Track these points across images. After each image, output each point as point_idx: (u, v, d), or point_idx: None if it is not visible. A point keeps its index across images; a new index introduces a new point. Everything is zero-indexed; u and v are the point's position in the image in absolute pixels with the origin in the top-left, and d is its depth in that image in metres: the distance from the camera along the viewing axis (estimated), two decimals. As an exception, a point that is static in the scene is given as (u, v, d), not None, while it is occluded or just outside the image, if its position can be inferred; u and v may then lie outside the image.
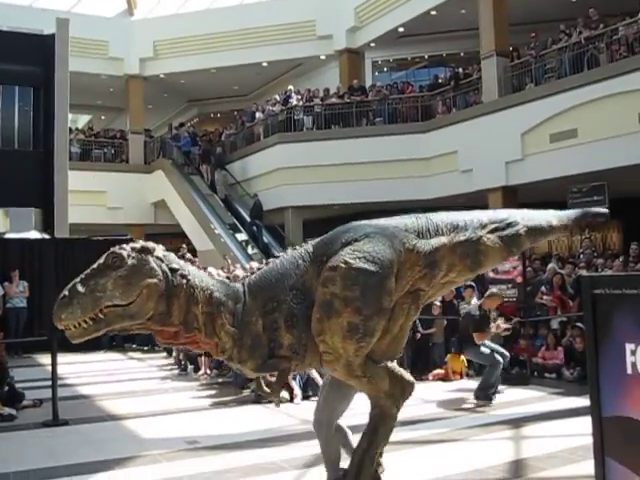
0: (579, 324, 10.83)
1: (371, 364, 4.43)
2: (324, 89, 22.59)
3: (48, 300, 15.63)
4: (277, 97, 23.50)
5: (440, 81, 21.27)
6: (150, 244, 4.46)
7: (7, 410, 8.51)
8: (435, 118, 20.17)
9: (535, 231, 4.87)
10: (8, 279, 15.51)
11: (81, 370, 12.69)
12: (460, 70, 20.58)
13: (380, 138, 20.18)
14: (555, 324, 11.55)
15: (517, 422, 7.59)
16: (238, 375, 10.63)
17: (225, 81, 28.03)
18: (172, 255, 4.52)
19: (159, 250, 4.44)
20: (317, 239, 4.81)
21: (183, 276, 4.36)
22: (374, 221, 4.73)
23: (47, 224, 17.92)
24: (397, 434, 6.75)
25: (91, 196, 23.78)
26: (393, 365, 4.76)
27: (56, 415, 8.12)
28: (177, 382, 11.50)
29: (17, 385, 9.44)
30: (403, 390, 4.62)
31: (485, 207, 17.90)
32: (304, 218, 21.73)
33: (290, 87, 23.35)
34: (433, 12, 21.02)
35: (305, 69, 26.77)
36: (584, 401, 8.76)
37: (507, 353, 9.73)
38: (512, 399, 9.03)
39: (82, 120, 34.69)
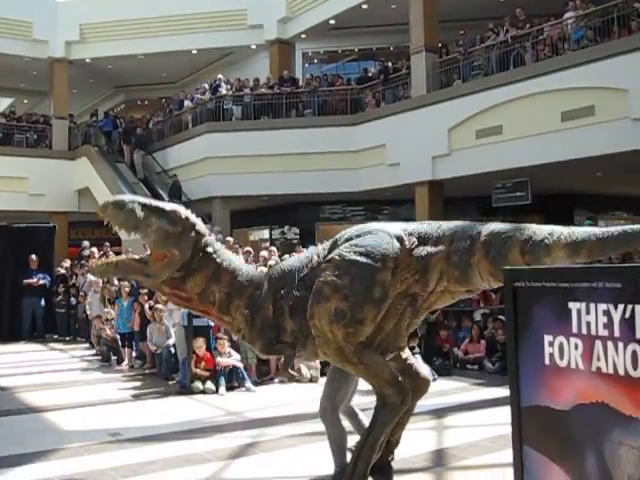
0: (501, 317, 11.12)
1: (367, 352, 4.57)
2: (254, 79, 22.46)
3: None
4: (206, 86, 23.25)
5: (370, 75, 21.38)
6: (204, 229, 4.91)
7: None
8: (364, 111, 20.28)
9: (528, 248, 4.37)
10: None
11: (0, 361, 12.34)
12: (390, 64, 20.75)
13: (309, 130, 20.19)
14: (478, 316, 11.82)
15: (440, 412, 7.73)
16: (162, 366, 10.57)
17: (153, 68, 27.57)
18: (213, 240, 4.99)
19: (208, 238, 4.90)
20: (336, 236, 5.02)
21: (213, 259, 4.84)
22: (385, 223, 4.95)
23: (-35, 210, 17.51)
24: (318, 425, 6.86)
25: (12, 182, 23.16)
26: (411, 361, 5.13)
27: (-27, 407, 7.90)
28: (100, 373, 11.30)
29: None
30: (416, 386, 4.92)
31: (411, 201, 18.20)
32: (232, 208, 21.62)
33: (220, 76, 23.15)
34: (364, 6, 21.13)
35: (235, 58, 26.56)
36: (505, 391, 8.94)
37: None
38: (435, 390, 9.12)
39: (3, 103, 33.59)
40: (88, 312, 14.61)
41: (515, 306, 2.67)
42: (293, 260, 5.09)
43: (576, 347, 2.47)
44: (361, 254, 4.56)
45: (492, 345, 11.10)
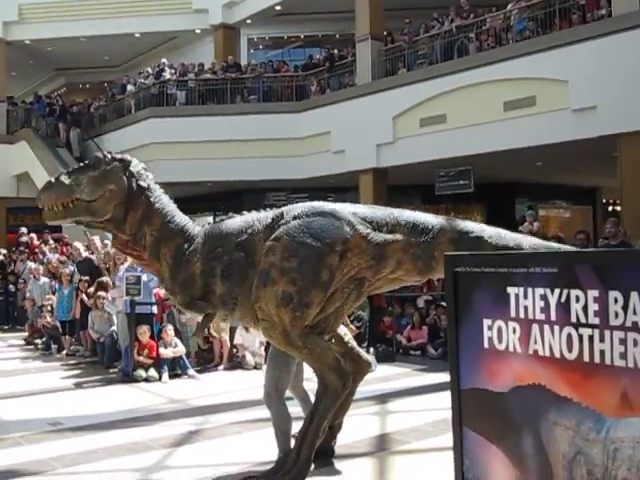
0: (443, 303, 11.28)
1: (313, 336, 4.59)
2: (198, 64, 22.23)
3: None
4: (150, 70, 22.94)
5: (315, 62, 21.39)
6: (129, 158, 5.06)
7: None
8: (309, 98, 20.28)
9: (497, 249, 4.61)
10: None
11: None
12: (335, 52, 20.79)
13: (254, 116, 20.09)
14: (421, 303, 11.96)
15: (382, 398, 7.81)
16: (105, 354, 10.44)
17: (95, 51, 27.03)
18: (147, 175, 5.06)
19: (137, 166, 5.02)
20: (281, 208, 4.99)
21: (147, 197, 4.92)
22: (338, 204, 4.87)
23: None
24: (263, 412, 6.86)
25: (-53, 166, 22.52)
26: (352, 344, 5.17)
27: None
28: (40, 362, 11.12)
29: None
30: (357, 368, 4.99)
31: (356, 188, 18.28)
32: (175, 195, 21.33)
33: (163, 60, 22.89)
34: (310, -8, 21.11)
35: (179, 43, 26.24)
36: (447, 377, 9.14)
37: None
38: (378, 375, 9.27)
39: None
40: (27, 299, 14.26)
41: (456, 291, 2.72)
42: (232, 223, 4.97)
43: (514, 331, 2.53)
44: (310, 235, 4.54)
45: (434, 331, 11.26)
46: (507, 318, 2.53)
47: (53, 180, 4.98)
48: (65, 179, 4.89)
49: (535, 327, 2.45)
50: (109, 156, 4.96)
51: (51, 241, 15.64)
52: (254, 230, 4.79)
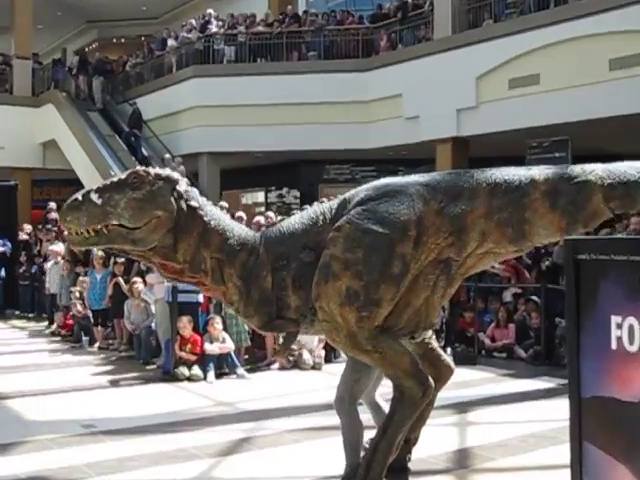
0: (534, 297, 11.14)
1: (385, 338, 4.54)
2: (249, 15, 22.29)
3: None
4: (193, 22, 23.10)
5: (385, 12, 21.21)
6: (175, 175, 4.86)
7: None
8: (378, 55, 20.15)
9: (617, 191, 4.29)
10: None
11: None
12: (409, 0, 20.57)
13: (313, 75, 20.08)
14: (508, 296, 11.83)
15: (462, 406, 7.78)
16: (141, 349, 10.63)
17: (132, 0, 27.41)
18: (195, 192, 4.90)
19: (183, 184, 4.81)
20: (346, 194, 4.95)
21: (199, 217, 4.76)
22: (404, 178, 4.80)
23: None
24: (324, 418, 6.92)
25: (-34, 132, 23.11)
26: (433, 344, 5.14)
27: None
28: (70, 356, 11.40)
29: None
30: (437, 374, 4.95)
31: (433, 161, 18.15)
32: (222, 167, 21.57)
33: (209, 11, 22.99)
34: None
35: (228, -9, 26.40)
36: (537, 383, 9.11)
37: None
38: (457, 380, 9.17)
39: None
40: (47, 286, 14.62)
41: (577, 282, 2.65)
42: (293, 221, 4.91)
43: (651, 330, 2.47)
44: (376, 222, 4.47)
45: (523, 330, 11.12)
46: (642, 315, 2.47)
47: (80, 197, 4.64)
48: (96, 197, 4.60)
49: (677, 326, 2.37)
50: (152, 173, 4.75)
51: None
52: (320, 226, 4.75)
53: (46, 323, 14.65)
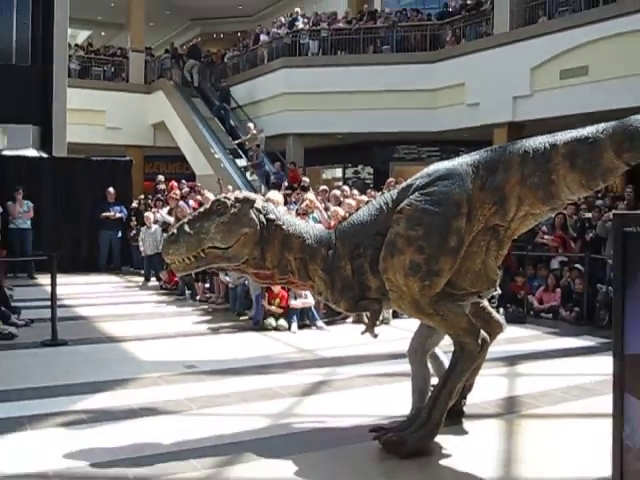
0: (578, 266, 10.94)
1: (444, 302, 4.56)
2: (331, 13, 22.17)
3: (46, 220, 15.78)
4: (283, 19, 23.09)
5: (451, 9, 20.86)
6: (252, 195, 5.03)
7: (7, 328, 8.56)
8: (444, 48, 19.87)
9: (625, 144, 4.15)
10: (8, 198, 14.83)
11: (79, 292, 12.77)
12: (472, -1, 20.20)
13: (386, 67, 19.94)
14: (555, 264, 11.62)
15: (512, 360, 7.69)
16: (236, 302, 10.79)
17: (230, 0, 27.46)
18: (270, 206, 5.05)
19: (259, 201, 4.98)
20: (403, 183, 4.98)
21: (278, 226, 4.89)
22: (451, 161, 4.76)
23: (45, 142, 17.95)
24: (390, 366, 6.93)
25: (89, 115, 23.58)
26: (484, 304, 5.15)
27: (55, 335, 8.20)
28: (174, 306, 11.62)
29: (17, 304, 9.59)
30: (488, 329, 4.89)
31: (490, 143, 17.85)
32: (306, 146, 21.62)
33: (297, 9, 22.95)
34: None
35: (313, -9, 26.23)
36: (579, 342, 8.96)
37: None
38: (507, 337, 9.09)
39: (81, 36, 34.08)
40: (141, 249, 14.78)
41: (624, 252, 2.61)
42: (362, 214, 4.96)
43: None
44: (433, 202, 4.47)
45: (567, 294, 10.94)
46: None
47: (176, 231, 4.83)
48: (189, 229, 4.76)
49: None
50: (232, 198, 4.89)
51: (186, 188, 16.13)
52: (386, 214, 4.76)
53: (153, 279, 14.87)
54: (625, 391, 2.67)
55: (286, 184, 17.22)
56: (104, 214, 16.36)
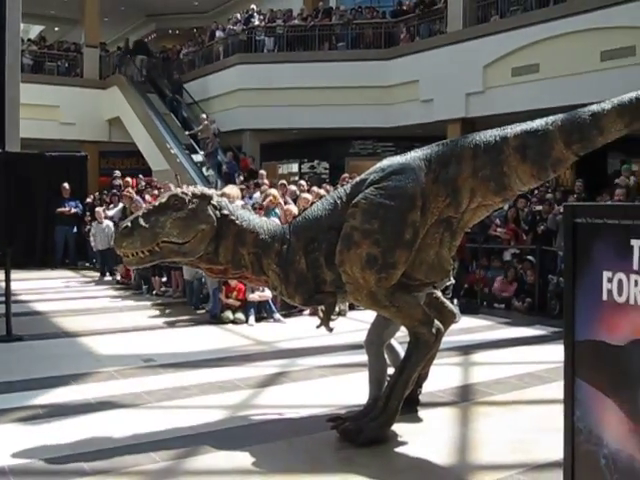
0: (530, 257, 11.09)
1: (400, 294, 4.58)
2: (287, 10, 22.12)
3: None
4: (238, 16, 22.97)
5: (405, 8, 20.96)
6: (209, 191, 4.96)
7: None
8: (398, 46, 19.95)
9: (574, 136, 4.23)
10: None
11: (34, 287, 12.55)
12: (426, -3, 20.33)
13: (342, 63, 19.96)
14: (508, 256, 11.77)
15: (466, 349, 7.77)
16: (193, 295, 10.70)
17: (186, -4, 27.29)
18: (224, 201, 5.00)
19: (215, 197, 4.90)
20: (356, 178, 4.98)
21: (231, 221, 4.84)
22: (404, 155, 4.76)
23: (-2, 137, 17.53)
24: (347, 357, 6.95)
25: (43, 110, 23.10)
26: (437, 294, 5.15)
27: (10, 331, 8.03)
28: (131, 301, 11.47)
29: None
30: (441, 319, 4.90)
31: (443, 138, 17.95)
32: (262, 141, 21.55)
33: (252, 6, 22.82)
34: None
35: (269, -12, 26.12)
36: (531, 331, 9.08)
37: None
38: (462, 327, 9.21)
39: (34, 31, 33.40)
40: (92, 244, 14.61)
41: (574, 242, 2.67)
42: (317, 208, 4.94)
43: (636, 284, 2.48)
44: (388, 196, 4.49)
45: (519, 286, 11.08)
46: (629, 271, 2.48)
47: (130, 224, 4.69)
48: (144, 222, 4.66)
49: (659, 280, 2.40)
50: (189, 193, 4.81)
51: (142, 183, 15.96)
52: (340, 208, 4.75)
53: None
54: (576, 376, 2.73)
55: (242, 178, 17.14)
56: (59, 210, 16.08)
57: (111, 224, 13.95)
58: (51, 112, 23.65)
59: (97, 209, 14.77)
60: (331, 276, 4.75)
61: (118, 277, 13.70)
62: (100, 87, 25.02)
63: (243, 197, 11.17)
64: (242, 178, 17.21)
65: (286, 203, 10.31)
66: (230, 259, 4.88)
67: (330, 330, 5.09)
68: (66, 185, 16.25)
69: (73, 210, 16.20)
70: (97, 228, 14.33)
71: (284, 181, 13.36)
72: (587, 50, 14.41)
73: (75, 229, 16.37)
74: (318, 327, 5.10)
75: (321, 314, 5.07)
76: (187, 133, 21.37)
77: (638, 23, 13.45)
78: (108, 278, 14.18)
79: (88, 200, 16.94)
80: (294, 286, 4.85)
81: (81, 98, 24.21)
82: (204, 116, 20.56)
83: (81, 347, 7.84)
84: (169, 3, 28.35)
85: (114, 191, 16.35)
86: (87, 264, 16.50)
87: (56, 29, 32.56)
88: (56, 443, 4.63)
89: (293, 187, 12.69)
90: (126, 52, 25.88)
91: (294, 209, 9.44)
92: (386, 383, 4.90)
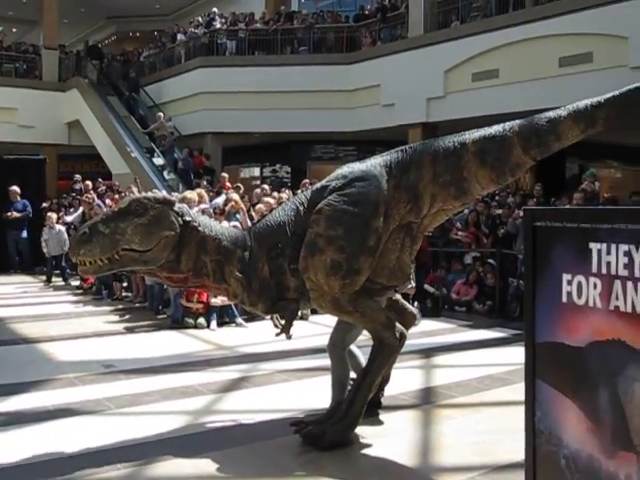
0: (490, 261, 11.19)
1: (363, 299, 4.58)
2: (249, 14, 22.07)
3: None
4: (200, 19, 22.88)
5: (367, 12, 21.07)
6: (171, 197, 4.82)
7: None
8: (360, 50, 20.04)
9: (532, 141, 4.28)
10: None
11: (-10, 292, 12.36)
12: (387, 2, 20.41)
13: (304, 67, 19.99)
14: (468, 259, 11.87)
15: (427, 352, 7.81)
16: (154, 300, 10.60)
17: (147, -2, 27.08)
18: (185, 207, 4.86)
19: (177, 203, 4.76)
20: (317, 184, 4.96)
21: (194, 228, 4.70)
22: (364, 162, 4.76)
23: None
24: (310, 361, 6.94)
25: (1, 113, 22.92)
26: (397, 297, 5.16)
27: (-34, 337, 7.90)
28: (91, 306, 11.32)
29: None
30: (402, 321, 4.90)
31: (405, 142, 18.05)
32: (223, 145, 21.47)
33: (214, 9, 22.74)
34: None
35: (231, -8, 26.06)
36: (492, 333, 9.16)
37: None
38: (423, 330, 9.26)
39: (-9, 32, 32.90)
40: (45, 250, 14.21)
41: (534, 245, 2.70)
42: (278, 214, 4.89)
43: (595, 286, 2.52)
44: (352, 203, 4.49)
45: (480, 288, 11.18)
46: (588, 274, 2.52)
47: (88, 230, 4.47)
48: (103, 228, 4.45)
49: (617, 283, 2.43)
50: (151, 199, 4.66)
51: (102, 187, 15.75)
52: (302, 214, 4.74)
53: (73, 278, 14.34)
54: (536, 377, 2.76)
55: (204, 182, 17.01)
56: (5, 215, 15.57)
57: (64, 229, 13.76)
58: (9, 114, 23.31)
59: (49, 214, 14.40)
60: (295, 282, 4.72)
61: (73, 283, 13.47)
62: (59, 89, 24.70)
63: (202, 201, 11.08)
64: (192, 176, 17.16)
65: (253, 205, 10.28)
66: (192, 267, 4.75)
67: (289, 337, 5.06)
68: (13, 188, 15.63)
69: (16, 214, 15.53)
70: (49, 233, 14.04)
71: (239, 184, 13.35)
72: (546, 56, 14.60)
73: (25, 233, 15.76)
74: (278, 335, 5.06)
75: (277, 322, 5.02)
76: (143, 131, 21.20)
77: (595, 30, 13.69)
78: (60, 283, 13.96)
79: (44, 205, 16.55)
80: (257, 293, 4.79)
81: (40, 100, 23.89)
82: (160, 114, 20.52)
83: (39, 353, 7.71)
84: (130, 5, 28.11)
85: (73, 194, 16.12)
86: (44, 269, 16.19)
87: (14, 30, 32.07)
88: (14, 451, 4.54)
89: (258, 190, 12.78)
90: (83, 55, 25.62)
91: (264, 207, 9.43)
92: (349, 387, 4.91)
